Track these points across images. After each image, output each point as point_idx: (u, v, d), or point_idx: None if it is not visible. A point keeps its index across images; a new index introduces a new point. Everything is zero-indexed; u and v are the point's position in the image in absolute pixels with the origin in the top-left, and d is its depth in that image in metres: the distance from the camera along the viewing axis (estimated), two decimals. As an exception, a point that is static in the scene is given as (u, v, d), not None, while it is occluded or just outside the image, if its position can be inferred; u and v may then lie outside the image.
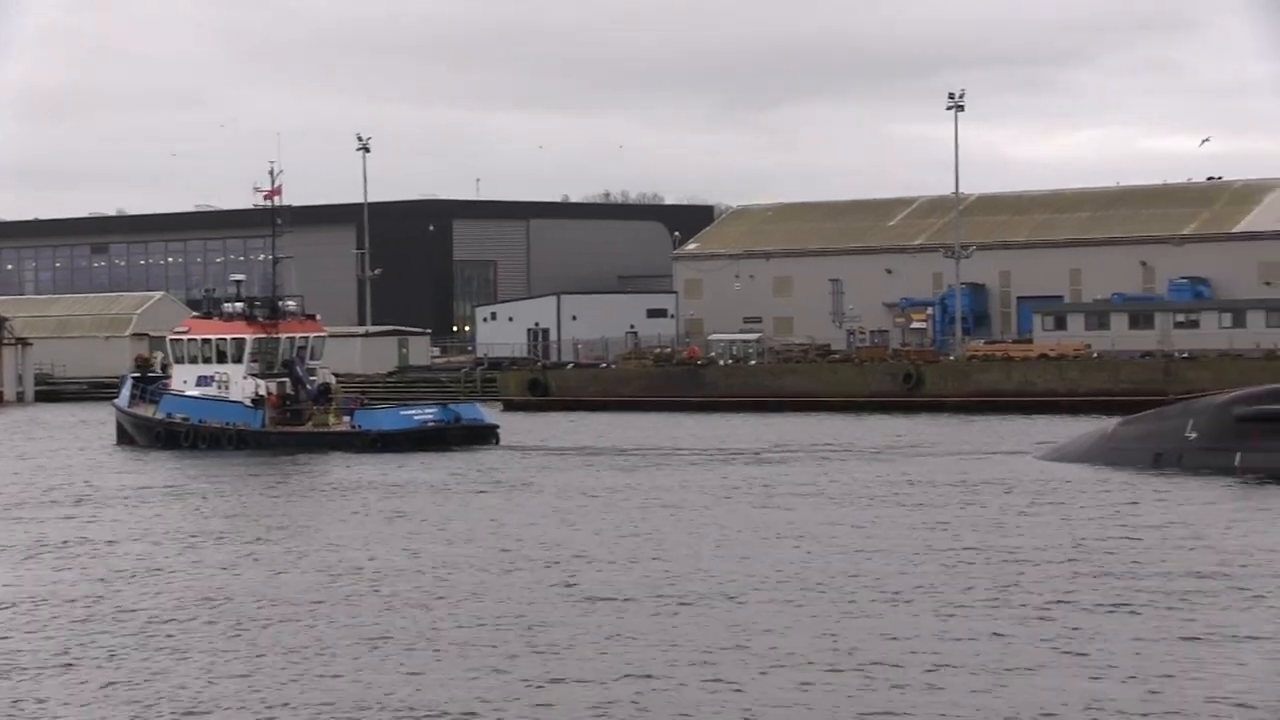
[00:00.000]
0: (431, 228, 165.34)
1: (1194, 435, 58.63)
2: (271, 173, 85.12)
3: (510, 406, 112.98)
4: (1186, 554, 39.80)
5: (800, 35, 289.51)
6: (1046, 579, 36.39)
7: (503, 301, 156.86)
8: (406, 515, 51.49)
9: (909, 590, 35.44)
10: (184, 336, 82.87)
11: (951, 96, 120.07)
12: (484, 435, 78.52)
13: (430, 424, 77.84)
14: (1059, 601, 33.80)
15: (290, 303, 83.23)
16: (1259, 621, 31.55)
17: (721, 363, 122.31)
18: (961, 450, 71.62)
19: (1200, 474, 56.01)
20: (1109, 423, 66.04)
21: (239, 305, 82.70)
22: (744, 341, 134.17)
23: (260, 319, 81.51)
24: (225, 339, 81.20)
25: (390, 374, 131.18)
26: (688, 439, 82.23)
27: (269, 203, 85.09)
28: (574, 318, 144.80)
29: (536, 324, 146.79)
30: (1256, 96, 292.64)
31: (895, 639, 30.35)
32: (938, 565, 38.83)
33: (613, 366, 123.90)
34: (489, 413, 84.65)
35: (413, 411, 79.92)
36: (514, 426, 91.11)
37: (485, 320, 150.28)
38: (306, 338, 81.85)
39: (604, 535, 45.69)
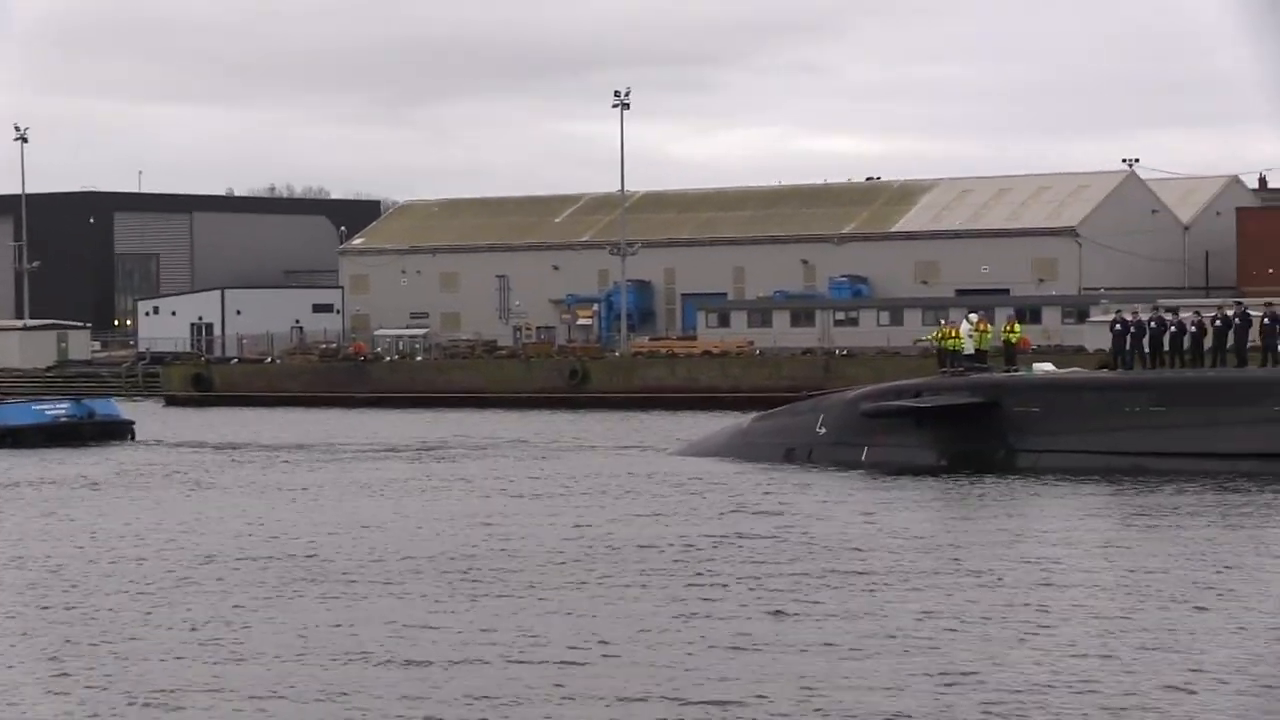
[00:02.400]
0: (92, 220, 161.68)
1: (823, 431, 59.42)
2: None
3: (173, 401, 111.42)
4: (778, 543, 40.24)
5: (452, 33, 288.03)
6: (646, 570, 36.49)
7: (165, 295, 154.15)
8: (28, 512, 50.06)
9: (504, 579, 35.39)
10: None
11: (617, 94, 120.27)
12: (119, 431, 77.42)
13: (63, 419, 76.48)
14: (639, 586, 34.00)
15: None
16: (869, 603, 31.86)
17: (387, 358, 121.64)
18: (607, 445, 72.03)
19: (828, 468, 56.85)
20: (745, 418, 66.69)
21: None
22: (410, 337, 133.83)
23: (-111, 313, 79.45)
24: None
25: (49, 368, 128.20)
26: (349, 434, 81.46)
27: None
28: (238, 312, 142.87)
29: (200, 318, 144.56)
30: (906, 99, 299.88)
31: (492, 630, 30.15)
32: (526, 553, 38.85)
33: (278, 362, 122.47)
34: (125, 408, 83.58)
35: (45, 407, 78.53)
36: (173, 422, 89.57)
37: (147, 314, 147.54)
38: (-63, 332, 79.81)
39: (237, 531, 44.75)
